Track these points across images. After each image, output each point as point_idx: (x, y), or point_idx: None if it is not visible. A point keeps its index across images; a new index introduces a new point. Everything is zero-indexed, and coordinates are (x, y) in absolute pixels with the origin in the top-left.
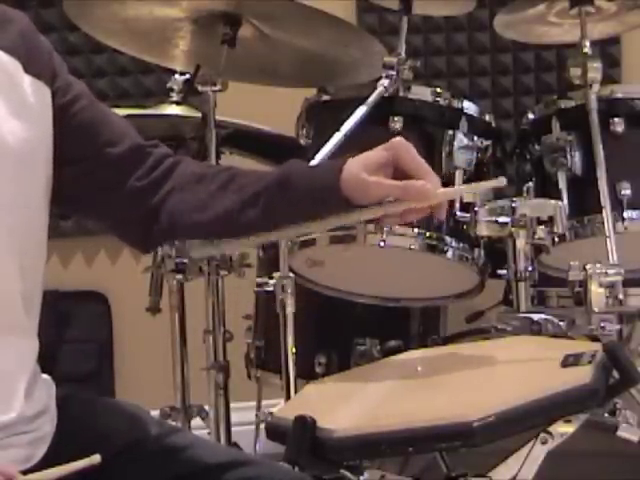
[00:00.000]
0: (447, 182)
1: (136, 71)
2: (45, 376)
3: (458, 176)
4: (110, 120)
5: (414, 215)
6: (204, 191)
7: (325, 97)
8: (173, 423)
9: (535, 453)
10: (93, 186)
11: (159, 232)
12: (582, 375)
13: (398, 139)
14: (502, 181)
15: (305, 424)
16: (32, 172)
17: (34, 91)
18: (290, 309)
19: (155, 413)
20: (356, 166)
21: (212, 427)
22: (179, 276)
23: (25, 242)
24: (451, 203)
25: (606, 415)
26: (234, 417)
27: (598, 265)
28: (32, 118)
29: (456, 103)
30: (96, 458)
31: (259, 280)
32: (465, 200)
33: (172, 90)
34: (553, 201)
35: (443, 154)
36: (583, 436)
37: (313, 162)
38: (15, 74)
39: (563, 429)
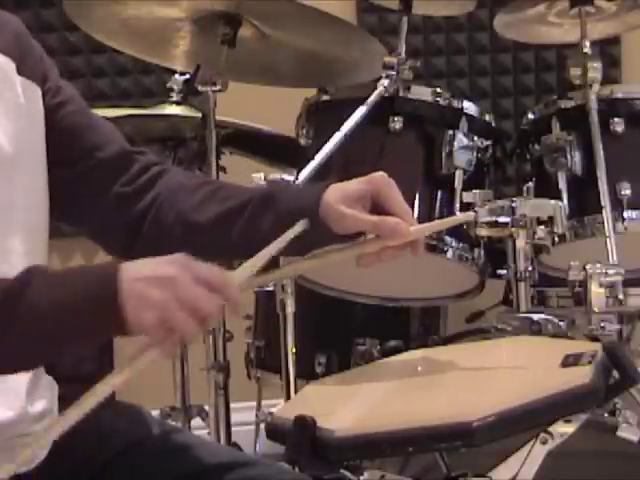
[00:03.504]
0: (447, 182)
1: (136, 71)
2: (47, 377)
3: (458, 176)
4: (98, 125)
5: (391, 253)
6: (190, 200)
7: (325, 97)
8: (173, 423)
9: (535, 453)
10: (78, 190)
11: (143, 240)
12: (582, 375)
13: (380, 174)
14: (470, 215)
15: (305, 424)
16: (31, 173)
17: (25, 92)
18: (290, 309)
19: (155, 413)
20: (334, 196)
21: (212, 427)
22: None
23: (27, 244)
24: (450, 204)
25: (606, 415)
26: (234, 417)
27: (598, 265)
28: (26, 119)
29: (456, 103)
30: None
31: None
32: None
33: (172, 90)
34: (553, 201)
35: (443, 154)
36: (583, 436)
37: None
38: (9, 74)
39: (563, 429)
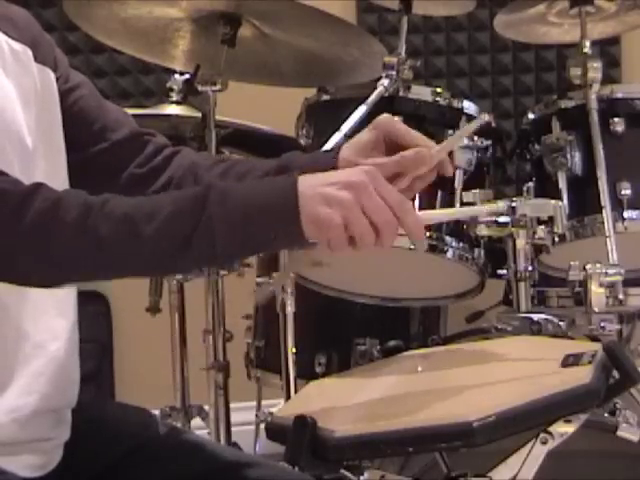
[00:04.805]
0: (447, 182)
1: (136, 71)
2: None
3: (458, 176)
4: (109, 108)
5: (421, 183)
6: (207, 177)
7: (325, 97)
8: (173, 423)
9: (535, 453)
10: (92, 173)
11: None
12: (582, 375)
13: (383, 115)
14: (484, 117)
15: (305, 424)
16: (51, 162)
17: (42, 78)
18: (290, 309)
19: (155, 413)
20: (349, 151)
21: (212, 427)
22: (179, 276)
23: None
24: (450, 204)
25: (606, 415)
26: (234, 417)
27: (598, 265)
28: (44, 107)
29: (456, 103)
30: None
31: (259, 280)
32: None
33: (172, 90)
34: (553, 201)
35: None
36: (583, 436)
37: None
38: (27, 62)
39: (563, 429)
